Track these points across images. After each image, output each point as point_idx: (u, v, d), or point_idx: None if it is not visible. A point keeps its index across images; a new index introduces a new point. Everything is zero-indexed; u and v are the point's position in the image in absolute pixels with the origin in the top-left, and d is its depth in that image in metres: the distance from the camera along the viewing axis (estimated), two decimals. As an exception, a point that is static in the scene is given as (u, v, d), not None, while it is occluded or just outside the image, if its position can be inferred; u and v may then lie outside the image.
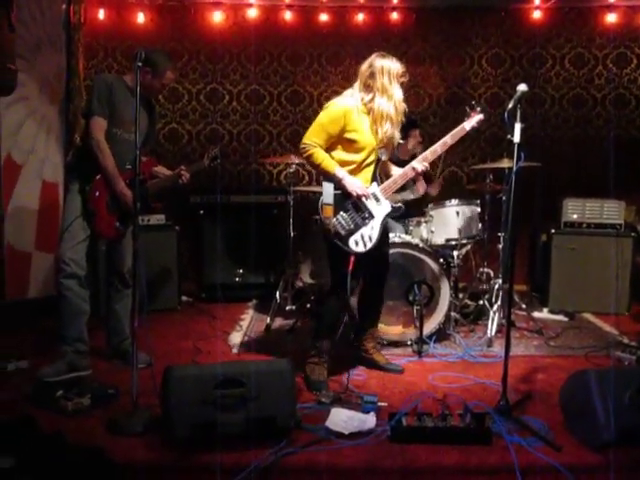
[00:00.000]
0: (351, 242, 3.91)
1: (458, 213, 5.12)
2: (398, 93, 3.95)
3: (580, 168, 6.78)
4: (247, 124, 6.76)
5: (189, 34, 6.59)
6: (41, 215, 5.23)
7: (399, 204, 4.13)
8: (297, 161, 5.56)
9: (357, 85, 4.01)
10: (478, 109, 4.15)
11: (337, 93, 6.49)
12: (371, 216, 3.99)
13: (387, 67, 3.91)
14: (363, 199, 3.94)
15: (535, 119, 6.74)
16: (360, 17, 6.63)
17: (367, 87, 3.94)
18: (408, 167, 4.11)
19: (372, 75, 3.91)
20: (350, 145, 3.93)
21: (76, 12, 5.49)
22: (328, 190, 3.86)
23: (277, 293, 5.55)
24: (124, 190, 4.11)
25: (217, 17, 6.54)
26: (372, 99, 3.91)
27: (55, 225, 4.80)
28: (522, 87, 3.72)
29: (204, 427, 3.12)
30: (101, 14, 6.40)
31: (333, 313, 4.12)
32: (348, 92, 4.03)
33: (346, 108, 3.89)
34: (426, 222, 5.15)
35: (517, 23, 6.71)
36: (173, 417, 3.14)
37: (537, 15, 6.64)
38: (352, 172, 3.94)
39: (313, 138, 3.89)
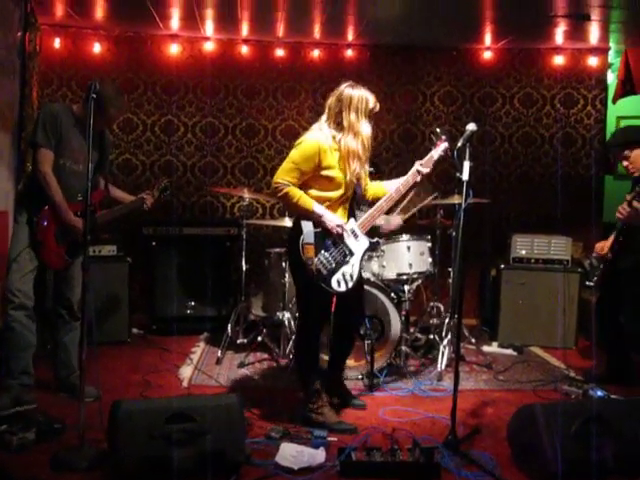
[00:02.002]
0: (333, 282, 3.79)
1: (409, 248, 5.18)
2: (366, 129, 3.84)
3: (529, 205, 6.94)
4: (202, 156, 6.76)
5: (145, 65, 6.59)
6: (-11, 244, 5.14)
7: (376, 239, 4.10)
8: (249, 195, 5.58)
9: (325, 119, 3.90)
10: (443, 137, 4.05)
11: (292, 127, 6.73)
12: (351, 253, 3.89)
13: (356, 101, 3.81)
14: (344, 236, 3.84)
15: (485, 156, 6.87)
16: (316, 53, 6.72)
17: (337, 124, 3.84)
18: (384, 199, 4.00)
19: (340, 112, 3.82)
20: (327, 183, 3.83)
21: (31, 40, 5.46)
22: (308, 229, 3.75)
23: (229, 326, 5.51)
24: (74, 221, 4.08)
25: (174, 49, 6.56)
26: (341, 137, 3.82)
27: (2, 254, 4.72)
28: (471, 126, 3.80)
29: (152, 462, 3.08)
30: (57, 43, 6.36)
31: (312, 354, 4.04)
32: (316, 126, 3.92)
33: (320, 145, 3.78)
34: (377, 256, 5.18)
35: (468, 63, 6.87)
36: (120, 452, 3.09)
37: (487, 55, 6.81)
38: (328, 209, 3.84)
39: (285, 177, 3.77)
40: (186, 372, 5.01)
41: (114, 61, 6.53)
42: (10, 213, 4.94)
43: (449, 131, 6.79)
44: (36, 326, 4.14)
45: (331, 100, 3.90)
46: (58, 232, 4.12)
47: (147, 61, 6.59)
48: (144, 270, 6.27)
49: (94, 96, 3.49)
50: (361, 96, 3.84)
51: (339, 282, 3.82)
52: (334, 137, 3.84)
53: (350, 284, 3.86)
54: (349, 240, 3.90)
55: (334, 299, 3.82)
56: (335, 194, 3.87)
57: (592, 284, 4.93)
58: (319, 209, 3.79)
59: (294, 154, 3.83)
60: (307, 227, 3.76)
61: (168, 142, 6.72)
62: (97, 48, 6.45)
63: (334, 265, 3.81)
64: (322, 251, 3.79)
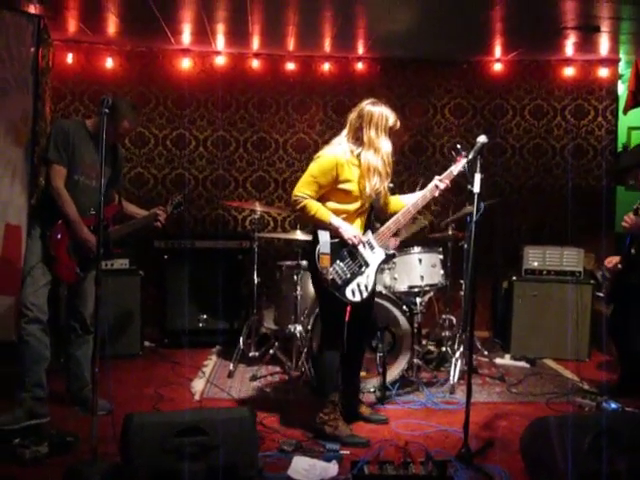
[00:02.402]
0: (348, 292, 3.85)
1: (421, 260, 5.17)
2: (386, 146, 3.90)
3: (540, 216, 6.92)
4: (213, 170, 6.79)
5: (157, 80, 6.64)
6: (4, 258, 5.17)
7: (392, 251, 4.13)
8: (260, 208, 5.59)
9: (345, 133, 3.98)
10: (463, 153, 4.02)
11: (303, 140, 6.76)
12: (366, 264, 3.94)
13: (376, 118, 3.87)
14: (359, 247, 3.90)
15: (497, 168, 6.87)
16: (326, 66, 6.75)
17: (356, 139, 3.91)
18: (401, 212, 4.02)
19: (360, 127, 3.88)
20: (344, 196, 3.90)
21: (44, 56, 5.51)
22: (324, 239, 3.83)
23: (241, 339, 5.52)
24: (87, 236, 4.10)
25: (185, 64, 6.60)
26: (360, 152, 3.88)
27: (18, 268, 4.76)
28: (482, 139, 3.83)
29: (165, 476, 3.09)
30: (69, 58, 6.42)
31: (333, 364, 4.05)
32: (336, 141, 4.00)
33: (337, 159, 3.85)
34: (389, 269, 5.18)
35: (479, 75, 6.88)
36: (133, 466, 3.10)
37: (498, 67, 6.82)
38: (345, 220, 3.91)
39: (304, 190, 3.86)
40: (198, 385, 5.02)
41: (126, 76, 6.58)
42: (24, 227, 4.98)
43: (459, 142, 6.82)
44: (50, 340, 4.15)
45: (352, 115, 3.97)
46: (71, 246, 4.14)
47: (159, 76, 6.64)
48: (156, 283, 6.29)
49: (106, 111, 3.52)
50: (382, 113, 3.91)
51: (354, 292, 3.87)
52: (352, 151, 3.91)
53: (365, 294, 3.91)
54: (365, 251, 3.95)
55: (348, 309, 3.85)
56: (352, 207, 3.93)
57: (602, 295, 4.93)
58: (336, 221, 3.85)
59: (312, 168, 3.91)
60: (323, 237, 3.84)
61: (180, 156, 6.75)
62: (109, 63, 6.50)
63: (349, 275, 3.87)
64: (337, 261, 3.85)
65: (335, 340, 3.97)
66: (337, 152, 3.90)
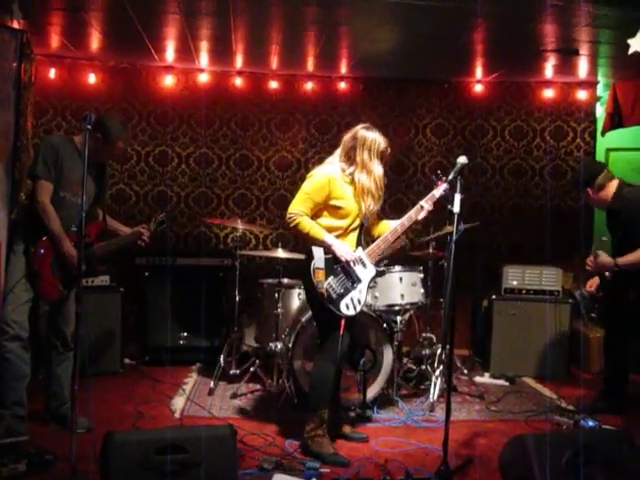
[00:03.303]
0: (342, 306, 3.95)
1: (401, 279, 5.21)
2: (378, 169, 4.04)
3: (520, 236, 6.99)
4: (195, 187, 6.80)
5: (140, 96, 6.65)
6: (-18, 274, 5.14)
7: (382, 268, 4.22)
8: (242, 226, 5.61)
9: (338, 153, 4.11)
10: (444, 178, 4.15)
11: (285, 158, 6.79)
12: (358, 280, 4.04)
13: (369, 142, 4.01)
14: (351, 264, 4.00)
15: (477, 188, 6.94)
16: (309, 85, 6.80)
17: (348, 158, 4.04)
18: (389, 232, 4.12)
19: (353, 148, 4.02)
20: (336, 211, 4.01)
21: (27, 71, 5.49)
22: (319, 254, 3.93)
23: (221, 357, 5.51)
24: (70, 251, 4.09)
25: (168, 81, 6.62)
26: (353, 172, 4.01)
27: (-4, 285, 4.73)
28: (462, 159, 3.89)
29: (144, 494, 3.07)
30: (52, 73, 6.41)
31: (327, 379, 4.08)
32: (329, 160, 4.14)
33: (330, 176, 3.99)
34: (370, 287, 5.19)
35: (460, 95, 6.96)
36: (112, 484, 3.08)
37: (479, 88, 6.90)
38: (338, 237, 4.01)
39: (299, 207, 3.96)
40: (179, 403, 4.99)
41: (109, 92, 6.58)
42: (3, 243, 4.95)
43: (440, 163, 6.89)
44: (30, 356, 4.12)
45: (346, 137, 4.11)
46: (54, 263, 4.13)
47: (142, 92, 6.65)
48: (137, 300, 6.27)
49: (89, 127, 3.54)
50: (374, 138, 4.04)
51: (347, 306, 3.97)
52: (344, 170, 4.05)
53: (358, 308, 4.02)
54: (357, 268, 4.04)
55: (342, 322, 3.94)
56: (344, 223, 4.04)
57: (582, 314, 5.02)
58: (329, 239, 3.96)
59: (306, 186, 4.03)
60: (318, 253, 3.94)
61: (162, 172, 6.76)
62: (92, 79, 6.50)
63: (342, 290, 3.97)
64: (331, 276, 3.95)
65: (331, 354, 4.01)
66: (329, 170, 4.04)
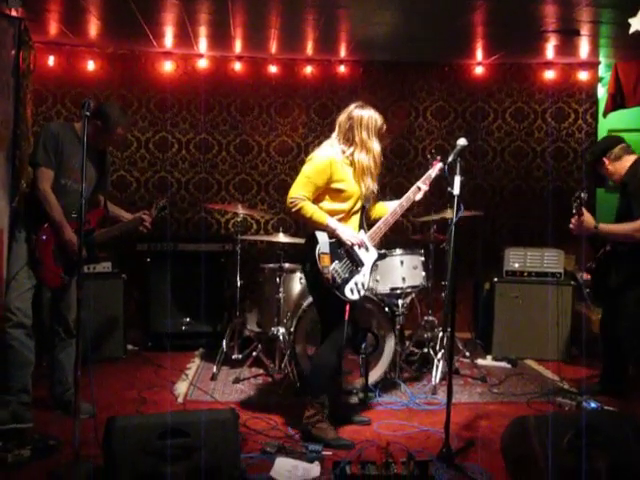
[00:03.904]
0: (347, 290, 3.91)
1: (402, 262, 5.21)
2: (377, 147, 4.00)
3: (521, 218, 6.98)
4: (196, 173, 6.79)
5: (139, 83, 6.63)
6: (-16, 262, 5.15)
7: (383, 251, 4.21)
8: (243, 211, 5.61)
9: (335, 136, 4.05)
10: (438, 158, 4.26)
11: (285, 143, 6.78)
12: (362, 264, 4.01)
13: (366, 120, 3.96)
14: (355, 247, 3.97)
15: (478, 171, 6.93)
16: (308, 69, 6.77)
17: (347, 140, 3.98)
18: (390, 213, 4.13)
19: (351, 128, 3.96)
20: (337, 195, 3.96)
21: (25, 59, 5.47)
22: (323, 239, 3.88)
23: (224, 342, 5.53)
24: (71, 237, 4.09)
25: (167, 67, 6.60)
26: (352, 152, 3.96)
27: (-2, 273, 4.74)
28: (462, 141, 3.88)
29: (147, 478, 3.08)
30: (51, 61, 6.40)
31: (329, 366, 4.07)
32: (327, 143, 4.06)
33: (331, 159, 3.92)
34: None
35: (460, 78, 6.93)
36: (115, 468, 3.09)
37: (479, 71, 6.87)
38: (340, 221, 3.97)
39: (300, 191, 3.88)
40: (181, 388, 5.02)
41: (108, 78, 6.56)
42: (5, 231, 4.96)
43: (441, 146, 6.87)
44: (34, 343, 4.14)
45: (342, 118, 4.04)
46: (56, 250, 4.14)
47: (141, 78, 6.63)
48: (139, 286, 6.29)
49: (87, 114, 3.54)
50: (371, 116, 4.00)
51: (352, 290, 3.94)
52: (344, 152, 3.99)
53: (362, 292, 4.00)
54: (360, 251, 4.01)
55: (347, 307, 3.93)
56: (346, 206, 3.99)
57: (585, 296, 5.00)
58: (332, 223, 3.91)
59: (307, 169, 3.95)
60: (322, 237, 3.89)
61: (162, 159, 6.75)
62: (91, 66, 6.49)
63: (347, 274, 3.93)
64: (336, 261, 3.90)
65: (336, 342, 4.01)
66: (330, 152, 3.97)
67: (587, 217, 4.56)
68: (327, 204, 3.98)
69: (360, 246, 4.00)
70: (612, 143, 4.82)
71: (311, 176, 3.91)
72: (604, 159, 4.75)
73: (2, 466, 3.44)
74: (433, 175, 4.24)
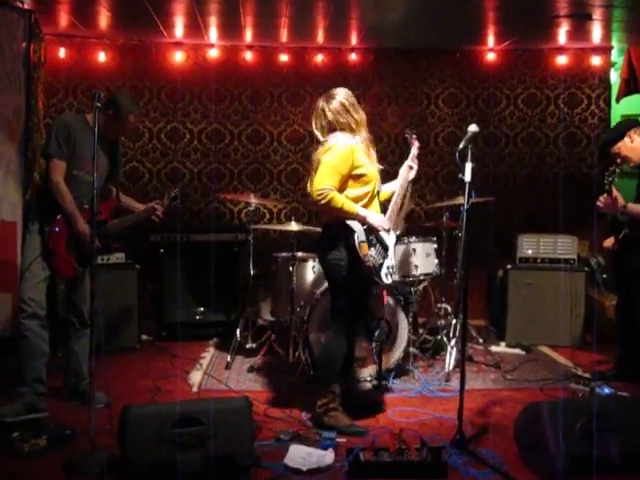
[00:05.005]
0: (383, 275, 3.99)
1: (415, 250, 5.21)
2: (364, 116, 4.03)
3: (534, 205, 6.93)
4: (208, 163, 6.80)
5: (150, 73, 6.64)
6: (-1, 254, 5.19)
7: (398, 232, 4.25)
8: (256, 200, 5.61)
9: (327, 135, 3.97)
10: (414, 136, 4.34)
11: (297, 132, 6.78)
12: (387, 247, 4.05)
13: (346, 103, 3.95)
14: (381, 233, 3.99)
15: (491, 157, 6.90)
16: (319, 58, 6.75)
17: (341, 129, 3.95)
18: (396, 195, 4.18)
19: (342, 120, 3.93)
20: (359, 180, 3.94)
21: (36, 51, 5.50)
22: (358, 228, 3.87)
23: (237, 331, 5.55)
24: (84, 228, 4.11)
25: (178, 57, 6.60)
26: (355, 135, 3.96)
27: (13, 264, 4.77)
28: (473, 128, 3.87)
29: (162, 466, 3.12)
30: (62, 53, 6.41)
31: (339, 354, 4.08)
32: (332, 136, 3.95)
33: (352, 146, 3.90)
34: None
35: (472, 64, 6.89)
36: (130, 457, 3.13)
37: (491, 57, 6.83)
38: (366, 206, 3.99)
39: (328, 182, 3.81)
40: (196, 377, 5.04)
41: (119, 70, 6.58)
42: (19, 224, 4.99)
43: (453, 133, 6.85)
44: (48, 334, 4.18)
45: (322, 122, 4.00)
46: (69, 241, 4.16)
47: (152, 69, 6.64)
48: (152, 277, 6.32)
49: (98, 105, 3.56)
50: (345, 96, 4.01)
51: (387, 275, 4.02)
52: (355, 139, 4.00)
53: (394, 276, 4.10)
54: (385, 235, 4.04)
55: (385, 293, 4.11)
56: (368, 189, 3.99)
57: (597, 282, 4.98)
58: (362, 211, 3.92)
59: (330, 159, 3.87)
60: (357, 226, 3.88)
61: (174, 149, 6.76)
62: (102, 57, 6.50)
63: (381, 260, 3.98)
64: (372, 248, 3.92)
65: (347, 329, 4.05)
66: (348, 140, 3.93)
67: (618, 195, 4.53)
68: (351, 191, 3.94)
69: (388, 230, 4.03)
70: (631, 125, 4.76)
71: (336, 165, 3.85)
72: (625, 139, 4.69)
73: (19, 456, 3.47)
74: (416, 153, 4.30)
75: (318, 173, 3.88)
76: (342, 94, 3.99)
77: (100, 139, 3.61)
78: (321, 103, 4.01)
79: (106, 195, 4.45)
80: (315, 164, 3.98)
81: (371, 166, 4.00)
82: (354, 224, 3.88)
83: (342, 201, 3.83)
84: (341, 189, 3.91)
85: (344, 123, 3.95)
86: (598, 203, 4.60)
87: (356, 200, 3.93)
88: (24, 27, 5.21)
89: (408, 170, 4.23)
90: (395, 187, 4.23)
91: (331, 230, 4.02)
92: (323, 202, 3.80)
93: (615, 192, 4.51)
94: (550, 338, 6.01)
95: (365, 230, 3.90)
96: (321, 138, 4.00)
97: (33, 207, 4.36)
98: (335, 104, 3.95)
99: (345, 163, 3.86)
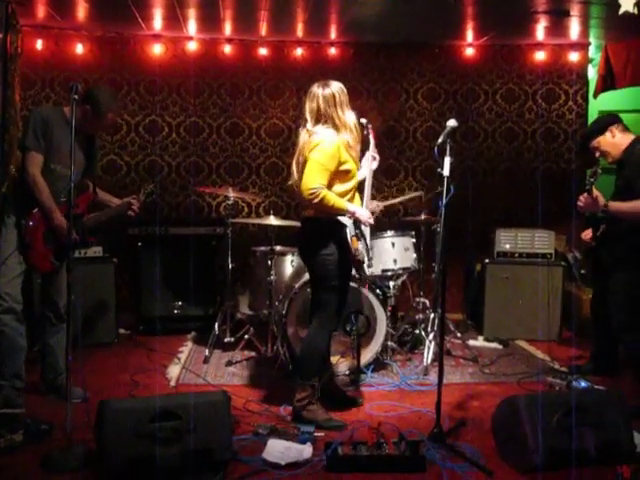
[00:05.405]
0: (365, 268, 4.09)
1: (394, 244, 5.22)
2: (352, 117, 4.01)
3: (512, 199, 6.98)
4: (186, 156, 6.76)
5: (128, 66, 6.58)
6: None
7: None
8: (234, 194, 5.60)
9: (312, 124, 3.97)
10: (370, 125, 4.36)
11: (276, 126, 6.75)
12: (366, 240, 4.10)
13: (338, 96, 3.95)
14: (362, 225, 4.04)
15: (469, 152, 6.93)
16: (299, 52, 6.73)
17: (324, 122, 3.94)
18: (367, 186, 4.24)
19: (326, 112, 3.93)
20: (345, 176, 3.97)
21: (13, 42, 5.43)
22: (348, 222, 3.93)
23: (216, 325, 5.54)
24: (61, 222, 4.08)
25: (157, 50, 6.55)
26: (338, 132, 3.94)
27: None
28: (451, 122, 3.89)
29: (140, 461, 3.11)
30: (39, 44, 6.34)
31: (321, 348, 4.11)
32: (318, 129, 3.95)
33: (338, 143, 3.90)
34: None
35: (451, 59, 6.90)
36: (108, 451, 3.12)
37: (470, 52, 6.84)
38: (350, 200, 4.03)
39: (318, 180, 3.83)
40: (174, 371, 5.03)
41: (97, 62, 6.51)
42: (-5, 216, 4.95)
43: (432, 127, 6.87)
44: (25, 329, 4.14)
45: (312, 106, 3.98)
46: (46, 235, 4.12)
47: (130, 61, 6.57)
48: (130, 270, 6.29)
49: (75, 97, 3.53)
50: (339, 90, 4.00)
51: (368, 267, 4.13)
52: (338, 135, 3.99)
53: (372, 268, 4.23)
54: (364, 228, 4.09)
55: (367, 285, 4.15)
56: (352, 184, 4.05)
57: (575, 276, 5.01)
58: (351, 206, 3.98)
59: (319, 157, 3.87)
60: (347, 221, 3.94)
61: (153, 142, 6.71)
62: (80, 49, 6.43)
63: (365, 252, 4.05)
64: (360, 241, 3.99)
65: (331, 323, 4.10)
66: (333, 137, 3.93)
67: (599, 195, 4.56)
68: (338, 187, 3.97)
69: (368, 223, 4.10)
70: (613, 120, 4.78)
71: (325, 163, 3.86)
72: (606, 134, 4.71)
73: (-5, 451, 3.45)
74: (375, 141, 4.38)
75: (307, 171, 3.88)
76: (337, 87, 4.00)
77: (77, 133, 3.57)
78: (315, 88, 4.00)
79: (83, 189, 4.40)
80: (301, 158, 3.99)
81: (352, 163, 4.01)
82: (344, 219, 3.93)
83: (333, 199, 3.87)
84: (329, 186, 3.92)
85: (329, 115, 3.94)
86: (579, 203, 4.60)
87: (342, 195, 3.97)
88: (1, 18, 5.14)
89: (371, 161, 4.31)
90: (361, 174, 4.27)
91: (317, 224, 4.03)
92: (315, 201, 3.83)
93: (596, 192, 4.52)
94: (527, 332, 6.05)
95: (354, 224, 3.96)
96: (310, 124, 3.98)
97: (10, 200, 4.31)
98: (327, 92, 3.95)
99: (333, 160, 3.88)
